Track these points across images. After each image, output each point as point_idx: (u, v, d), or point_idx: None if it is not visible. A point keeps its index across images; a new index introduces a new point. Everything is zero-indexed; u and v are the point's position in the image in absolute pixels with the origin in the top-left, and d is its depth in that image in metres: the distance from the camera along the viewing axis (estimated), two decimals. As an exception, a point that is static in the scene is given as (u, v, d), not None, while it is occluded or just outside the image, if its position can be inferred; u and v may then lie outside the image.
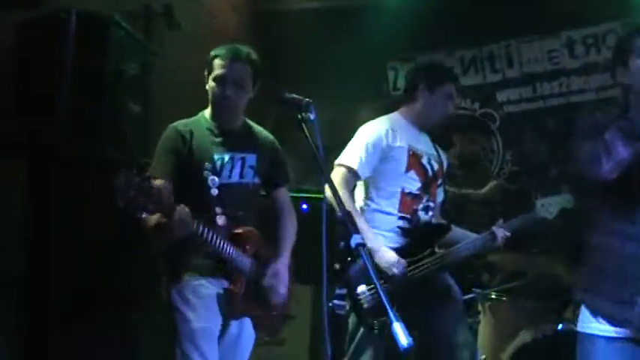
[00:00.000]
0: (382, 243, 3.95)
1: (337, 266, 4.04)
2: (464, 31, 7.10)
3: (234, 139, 3.63)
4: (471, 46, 7.31)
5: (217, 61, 3.56)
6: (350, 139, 4.20)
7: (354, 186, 4.13)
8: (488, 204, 5.76)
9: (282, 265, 3.69)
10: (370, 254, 3.76)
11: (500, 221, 4.22)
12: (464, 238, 4.17)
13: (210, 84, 3.59)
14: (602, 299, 3.06)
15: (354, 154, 4.03)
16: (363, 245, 2.59)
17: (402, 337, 2.37)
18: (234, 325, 3.56)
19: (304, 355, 5.28)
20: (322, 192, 5.31)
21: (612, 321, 3.02)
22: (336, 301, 2.67)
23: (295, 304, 4.68)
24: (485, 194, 5.61)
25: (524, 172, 6.99)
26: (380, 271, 3.84)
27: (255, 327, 3.65)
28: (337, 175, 4.02)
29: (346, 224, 2.61)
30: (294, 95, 2.98)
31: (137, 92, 4.13)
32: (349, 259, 3.84)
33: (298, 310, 5.01)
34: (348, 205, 3.77)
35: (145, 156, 3.60)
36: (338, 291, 2.64)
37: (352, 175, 4.04)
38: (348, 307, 3.92)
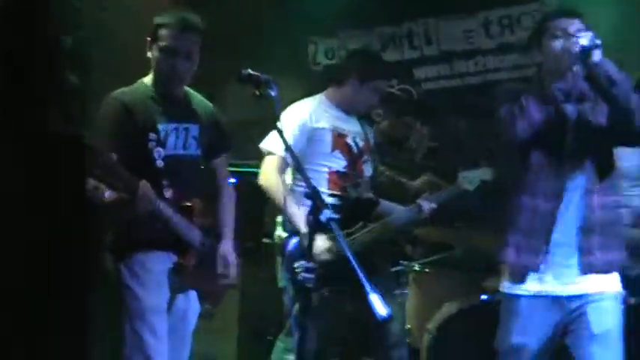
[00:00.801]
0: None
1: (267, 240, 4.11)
2: (384, 8, 7.19)
3: (178, 108, 3.56)
4: (391, 23, 7.38)
5: (165, 31, 3.45)
6: (267, 111, 4.23)
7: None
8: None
9: (229, 245, 3.70)
10: (303, 239, 3.87)
11: (427, 194, 4.33)
12: (392, 210, 4.28)
13: (156, 54, 3.48)
14: (522, 257, 3.28)
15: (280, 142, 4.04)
16: (334, 219, 2.64)
17: (380, 308, 2.43)
18: (181, 298, 3.54)
19: (234, 329, 5.31)
20: (254, 167, 5.38)
21: (533, 278, 3.25)
22: (305, 275, 2.70)
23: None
24: (418, 187, 5.76)
25: (442, 148, 7.16)
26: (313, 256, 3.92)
27: (201, 299, 3.65)
28: (269, 164, 4.06)
29: (314, 200, 2.65)
30: (251, 71, 2.98)
31: (75, 62, 4.03)
32: (286, 235, 3.91)
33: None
34: (282, 196, 3.84)
35: (85, 128, 3.52)
36: (307, 265, 2.67)
37: (282, 161, 4.08)
38: (285, 282, 3.99)
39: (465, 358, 4.56)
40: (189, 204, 3.50)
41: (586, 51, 3.08)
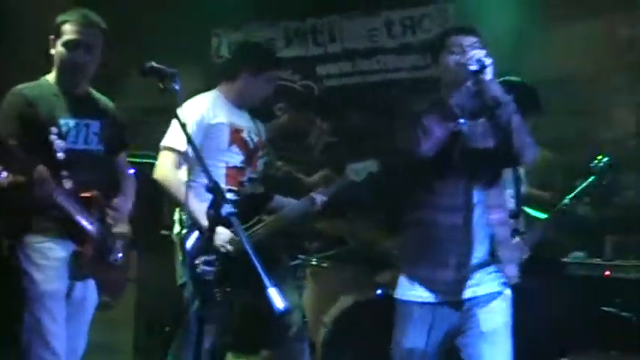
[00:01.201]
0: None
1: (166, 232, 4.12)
2: (289, 3, 7.26)
3: (79, 105, 3.65)
4: (295, 19, 7.45)
5: (68, 26, 3.55)
6: (169, 100, 4.25)
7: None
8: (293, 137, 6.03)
9: (125, 230, 3.76)
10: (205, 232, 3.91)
11: (319, 188, 4.42)
12: (285, 204, 4.35)
13: (59, 49, 3.57)
14: (419, 266, 3.39)
15: (179, 136, 4.06)
16: (234, 214, 2.68)
17: (278, 301, 2.50)
18: (79, 287, 3.58)
19: (130, 319, 5.30)
20: (150, 157, 5.34)
21: (428, 286, 3.35)
22: (205, 267, 2.74)
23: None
24: (315, 182, 5.85)
25: (341, 144, 7.28)
26: (216, 248, 3.96)
27: (100, 290, 3.66)
28: (166, 160, 4.07)
29: (215, 194, 2.69)
30: (154, 64, 3.00)
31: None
32: (185, 231, 3.94)
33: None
34: (181, 190, 3.88)
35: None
36: (206, 258, 2.72)
37: (181, 157, 4.09)
38: (184, 278, 4.02)
39: (360, 350, 4.65)
40: (88, 195, 3.55)
41: (477, 69, 3.18)
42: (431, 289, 3.36)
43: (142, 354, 5.42)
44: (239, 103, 4.30)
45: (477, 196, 3.35)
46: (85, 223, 3.50)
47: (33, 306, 3.39)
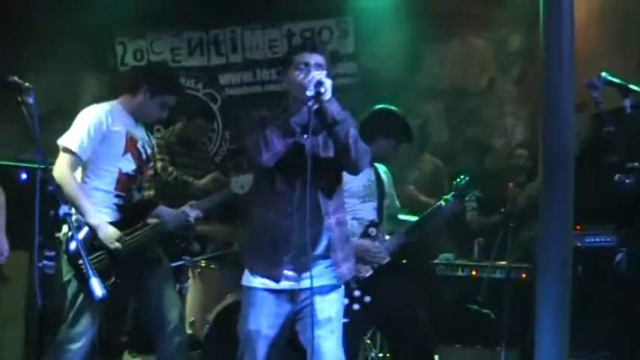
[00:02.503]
0: (103, 220, 4.24)
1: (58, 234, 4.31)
2: (192, 14, 7.48)
3: None
4: (199, 29, 7.69)
5: None
6: (73, 107, 4.42)
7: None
8: (207, 193, 6.21)
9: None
10: (92, 228, 4.12)
11: (192, 202, 4.63)
12: (165, 214, 4.56)
13: None
14: (259, 260, 3.66)
15: (76, 137, 4.22)
16: (70, 215, 2.89)
17: (98, 290, 2.75)
18: None
19: (20, 316, 5.40)
20: (40, 163, 5.49)
21: (265, 276, 3.63)
22: (45, 262, 2.96)
23: (11, 267, 4.86)
24: (205, 184, 6.06)
25: (240, 151, 7.52)
26: (103, 245, 4.16)
27: None
28: (63, 160, 4.22)
29: (55, 195, 2.91)
30: (16, 79, 3.19)
31: None
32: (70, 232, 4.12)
33: (14, 273, 5.17)
34: (75, 189, 4.07)
35: None
36: (47, 253, 2.94)
37: (76, 158, 4.26)
38: (69, 276, 4.19)
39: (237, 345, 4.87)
40: None
41: (313, 94, 3.36)
42: (270, 279, 3.63)
43: (32, 351, 5.50)
44: (135, 116, 4.49)
45: (315, 199, 3.59)
46: None
47: None
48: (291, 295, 3.65)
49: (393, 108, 4.83)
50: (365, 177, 4.50)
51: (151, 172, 4.66)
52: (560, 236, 4.00)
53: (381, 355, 5.28)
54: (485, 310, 5.31)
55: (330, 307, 3.63)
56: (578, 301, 3.94)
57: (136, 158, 4.41)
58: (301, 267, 3.61)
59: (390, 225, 4.79)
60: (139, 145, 4.45)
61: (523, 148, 6.81)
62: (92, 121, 4.26)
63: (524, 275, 5.47)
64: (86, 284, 4.05)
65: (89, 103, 7.08)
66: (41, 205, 5.27)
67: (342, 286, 3.75)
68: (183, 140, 6.24)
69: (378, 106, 4.81)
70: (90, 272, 2.79)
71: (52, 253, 2.94)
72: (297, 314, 3.66)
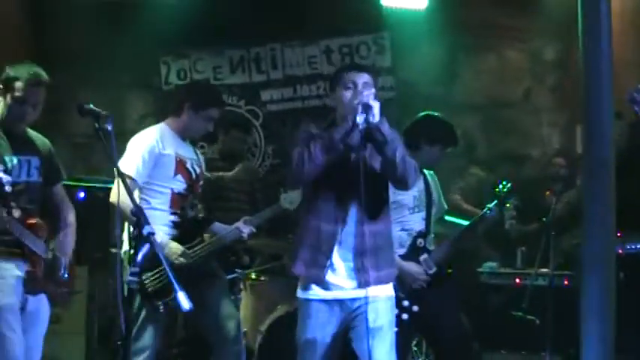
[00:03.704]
0: (166, 237, 4.45)
1: (114, 250, 4.51)
2: (234, 33, 7.67)
3: (20, 144, 4.01)
4: (240, 47, 7.88)
5: (19, 84, 3.88)
6: (121, 127, 4.62)
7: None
8: (240, 182, 6.41)
9: (69, 238, 4.19)
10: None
11: (246, 218, 4.83)
12: (221, 230, 4.75)
13: (9, 102, 3.91)
14: (304, 266, 3.84)
15: (132, 163, 4.45)
16: (153, 234, 3.10)
17: (185, 303, 2.95)
18: (32, 301, 3.94)
19: (81, 332, 5.62)
20: (97, 182, 5.72)
21: (320, 285, 3.80)
22: (130, 278, 3.17)
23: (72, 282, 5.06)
24: (235, 175, 6.26)
25: (283, 165, 7.72)
26: (169, 261, 4.36)
27: (50, 303, 4.07)
28: (121, 185, 4.44)
29: (139, 216, 3.11)
30: (92, 107, 3.40)
31: None
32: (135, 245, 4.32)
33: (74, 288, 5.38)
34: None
35: None
36: (132, 269, 3.15)
37: (133, 183, 4.48)
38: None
39: (291, 354, 5.03)
40: (33, 221, 3.95)
41: (363, 120, 3.56)
42: (323, 288, 3.81)
43: (93, 364, 5.73)
44: (182, 135, 4.70)
45: (359, 209, 3.75)
46: (33, 246, 3.90)
47: None
48: (343, 304, 3.82)
49: (435, 114, 4.97)
50: (415, 188, 4.62)
51: (201, 189, 4.85)
52: (603, 242, 4.16)
53: (427, 360, 5.43)
54: (529, 317, 5.45)
55: (381, 317, 3.79)
56: (620, 307, 4.07)
57: (186, 178, 4.63)
58: (348, 276, 3.80)
59: (436, 227, 4.92)
60: (188, 165, 4.67)
61: (560, 156, 6.94)
62: (146, 147, 4.51)
63: (566, 282, 5.60)
64: (149, 300, 4.34)
65: (135, 122, 7.42)
66: (97, 221, 5.56)
67: (393, 296, 3.91)
68: (225, 154, 6.43)
69: (422, 114, 4.96)
70: (176, 286, 2.99)
71: (137, 269, 3.12)
72: (350, 323, 3.82)
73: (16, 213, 3.81)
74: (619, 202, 4.20)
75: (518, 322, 5.49)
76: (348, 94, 3.75)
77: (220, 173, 6.23)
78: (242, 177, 6.33)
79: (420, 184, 4.74)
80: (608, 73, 4.19)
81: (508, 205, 4.96)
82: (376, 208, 3.84)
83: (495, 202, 4.84)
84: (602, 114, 4.21)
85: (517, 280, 5.81)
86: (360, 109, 3.57)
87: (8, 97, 3.92)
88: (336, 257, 3.79)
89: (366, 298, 3.75)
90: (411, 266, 4.65)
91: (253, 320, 5.51)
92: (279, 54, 7.86)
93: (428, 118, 4.94)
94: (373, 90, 3.76)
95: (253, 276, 5.77)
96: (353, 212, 3.77)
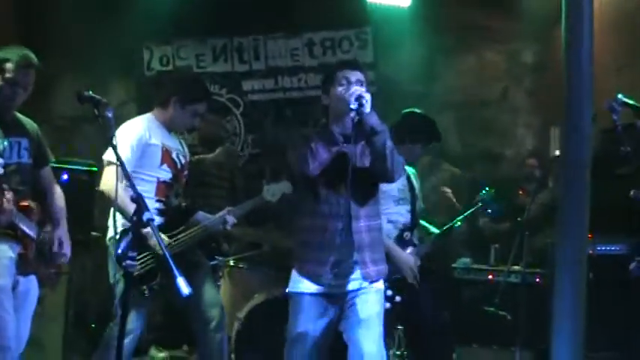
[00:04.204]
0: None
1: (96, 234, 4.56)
2: (217, 22, 7.71)
3: (10, 126, 4.06)
4: (223, 36, 7.94)
5: (10, 65, 3.92)
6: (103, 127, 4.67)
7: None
8: (221, 167, 6.48)
9: (64, 231, 4.23)
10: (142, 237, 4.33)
11: (230, 208, 4.87)
12: (204, 219, 4.82)
13: (5, 88, 3.94)
14: (306, 263, 3.95)
15: (121, 153, 4.47)
16: (152, 220, 3.18)
17: (184, 288, 3.03)
18: (23, 281, 4.01)
19: (60, 315, 5.62)
20: (82, 165, 5.76)
21: (313, 279, 3.92)
22: (129, 261, 3.23)
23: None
24: (216, 157, 6.34)
25: (262, 155, 7.81)
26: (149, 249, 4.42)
27: (40, 283, 4.14)
28: (111, 172, 4.50)
29: (139, 203, 3.19)
30: (91, 94, 3.46)
31: None
32: (118, 231, 4.39)
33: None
34: (124, 200, 4.31)
35: None
36: (131, 254, 3.21)
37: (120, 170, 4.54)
38: (118, 277, 4.47)
39: (268, 341, 5.13)
40: (26, 204, 4.01)
41: (356, 107, 3.68)
42: (316, 283, 3.92)
43: (70, 349, 5.72)
44: (168, 127, 4.76)
45: (355, 205, 3.88)
46: (26, 229, 3.96)
47: None
48: (335, 297, 3.94)
49: (418, 111, 5.12)
50: (400, 181, 4.71)
51: (185, 179, 4.92)
52: (577, 243, 4.28)
53: (398, 352, 5.53)
54: (501, 312, 5.59)
55: (370, 308, 3.90)
56: (589, 306, 4.21)
57: (172, 167, 4.70)
58: (343, 271, 3.90)
59: None
60: (174, 155, 4.74)
61: (534, 157, 7.07)
62: (134, 137, 4.58)
63: (538, 280, 5.75)
64: (135, 284, 4.40)
65: (116, 108, 7.41)
66: (79, 204, 5.59)
67: (382, 289, 4.03)
68: (204, 140, 6.50)
69: (405, 111, 5.11)
70: (175, 272, 3.06)
71: (134, 254, 3.19)
72: (341, 314, 3.95)
73: (9, 195, 3.85)
74: (592, 205, 4.32)
75: (490, 318, 5.64)
76: (342, 89, 3.87)
77: (201, 155, 6.30)
78: (222, 159, 6.40)
79: (403, 178, 4.85)
80: (589, 75, 4.28)
81: (489, 211, 5.09)
82: (370, 203, 3.96)
83: (479, 205, 4.98)
84: (581, 115, 4.29)
85: (490, 277, 5.95)
86: (353, 99, 3.68)
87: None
88: (335, 254, 3.88)
89: (357, 290, 3.87)
90: (409, 256, 4.78)
91: (231, 307, 5.57)
92: (262, 45, 7.92)
93: (412, 115, 5.07)
94: (363, 88, 3.87)
95: (232, 263, 5.85)
96: (349, 209, 3.87)
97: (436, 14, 7.38)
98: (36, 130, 4.27)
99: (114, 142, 3.46)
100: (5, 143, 3.98)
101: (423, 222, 5.27)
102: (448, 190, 6.70)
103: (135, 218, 3.17)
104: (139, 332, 4.57)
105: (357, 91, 3.74)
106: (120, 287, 4.49)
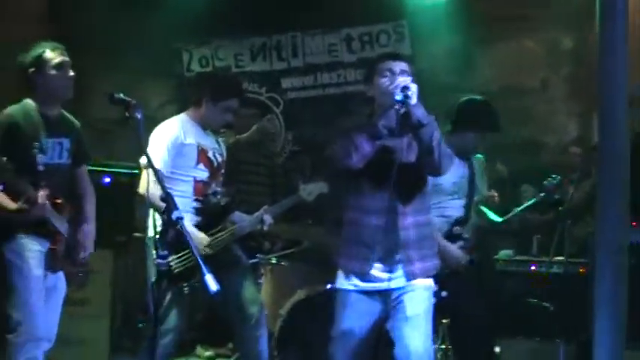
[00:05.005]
0: (193, 227, 4.55)
1: (138, 235, 4.65)
2: (255, 21, 7.79)
3: (55, 125, 4.19)
4: (261, 35, 8.00)
5: (51, 54, 4.08)
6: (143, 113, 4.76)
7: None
8: (257, 147, 6.52)
9: (92, 227, 4.36)
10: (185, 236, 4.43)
11: (266, 207, 4.93)
12: (240, 219, 4.86)
13: (51, 72, 4.08)
14: (350, 259, 3.92)
15: (157, 155, 4.56)
16: (182, 218, 3.23)
17: (212, 285, 3.08)
18: (51, 277, 4.17)
19: (106, 314, 5.74)
20: (122, 167, 5.85)
21: (358, 275, 3.88)
22: (159, 260, 3.29)
23: (97, 267, 5.21)
24: (250, 136, 6.38)
25: (303, 152, 7.85)
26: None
27: (67, 281, 4.28)
28: (147, 176, 4.57)
29: (168, 201, 3.24)
30: (122, 96, 3.53)
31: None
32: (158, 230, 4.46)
33: (100, 272, 5.52)
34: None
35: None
36: (161, 252, 3.27)
37: (158, 173, 4.59)
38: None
39: (310, 338, 5.16)
40: (59, 201, 4.14)
41: (402, 99, 3.59)
42: (362, 279, 3.88)
43: (116, 348, 5.83)
44: (203, 126, 4.81)
45: (401, 201, 3.82)
46: (57, 225, 4.09)
47: (23, 292, 4.00)
48: (381, 294, 3.89)
49: (476, 98, 4.95)
50: (455, 174, 4.68)
51: (222, 177, 4.96)
52: (617, 231, 4.21)
53: (443, 346, 5.52)
54: (544, 304, 5.53)
55: (417, 306, 3.84)
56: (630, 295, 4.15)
57: (208, 166, 4.76)
58: (389, 267, 3.85)
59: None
60: (210, 154, 4.79)
61: (576, 145, 7.00)
62: (170, 138, 4.64)
63: (581, 270, 5.68)
64: (174, 282, 4.47)
65: (156, 110, 7.53)
66: (120, 206, 5.69)
67: (431, 286, 3.96)
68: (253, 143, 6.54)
69: (463, 98, 4.92)
70: (204, 269, 3.11)
71: (165, 252, 3.26)
72: (388, 313, 3.89)
73: (44, 191, 3.96)
74: (635, 190, 4.26)
75: (532, 309, 5.59)
76: (386, 81, 3.80)
77: (235, 137, 6.34)
78: (257, 138, 6.42)
79: (461, 170, 4.79)
80: (623, 64, 4.18)
81: (556, 199, 4.99)
82: (417, 199, 3.89)
83: (544, 195, 4.89)
84: (615, 102, 4.22)
85: (532, 268, 5.90)
86: (398, 90, 3.60)
87: (44, 72, 4.08)
88: (380, 250, 3.84)
89: (404, 287, 3.84)
90: (458, 251, 4.71)
91: (273, 304, 5.63)
92: (299, 42, 7.96)
93: (466, 102, 4.89)
94: (410, 77, 3.80)
95: (274, 261, 5.89)
96: (394, 204, 3.80)
97: (472, 4, 7.34)
98: (78, 128, 4.39)
99: (144, 145, 3.53)
100: (50, 142, 4.12)
101: (483, 207, 5.19)
102: (495, 194, 6.66)
103: (165, 217, 3.23)
104: (179, 330, 4.63)
105: (402, 82, 3.65)
106: (161, 287, 4.56)
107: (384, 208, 3.78)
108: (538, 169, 7.07)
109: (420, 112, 3.66)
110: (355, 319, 3.89)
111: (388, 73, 3.83)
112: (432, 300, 3.99)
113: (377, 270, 3.86)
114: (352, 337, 3.89)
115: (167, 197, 3.26)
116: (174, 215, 3.20)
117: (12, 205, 3.91)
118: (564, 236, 5.57)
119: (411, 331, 3.79)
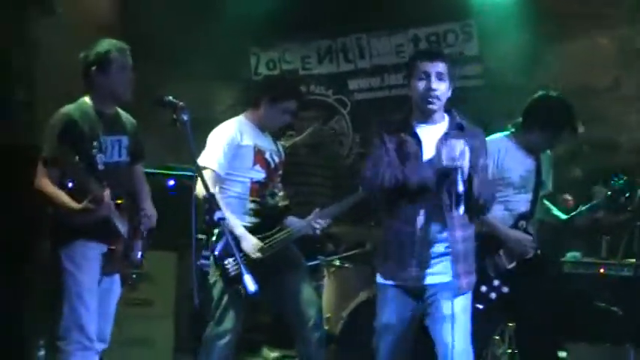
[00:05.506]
0: (245, 231, 4.60)
1: (201, 236, 4.71)
2: (321, 23, 7.77)
3: (112, 123, 4.24)
4: (327, 37, 7.98)
5: (117, 54, 4.12)
6: (211, 116, 4.78)
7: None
8: (315, 146, 6.51)
9: (150, 208, 4.41)
10: (237, 238, 4.48)
11: (317, 210, 4.92)
12: (294, 223, 4.86)
13: (115, 73, 4.12)
14: (388, 267, 3.95)
15: (214, 156, 4.65)
16: (223, 219, 3.25)
17: (250, 285, 3.09)
18: (106, 280, 4.20)
19: (170, 315, 5.84)
20: (187, 170, 5.94)
21: (394, 279, 3.93)
22: (203, 261, 3.34)
23: (161, 268, 5.29)
24: (304, 138, 6.37)
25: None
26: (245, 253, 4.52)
27: (122, 283, 4.32)
28: (206, 177, 4.62)
29: (211, 203, 3.26)
30: (171, 98, 3.56)
31: (21, 79, 4.56)
32: (215, 232, 4.51)
33: (164, 274, 5.61)
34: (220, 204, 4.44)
35: (32, 140, 4.09)
36: (204, 253, 3.32)
37: (216, 175, 4.64)
38: (215, 277, 4.57)
39: (372, 339, 5.11)
40: (120, 202, 4.15)
41: (452, 165, 3.58)
42: (403, 279, 3.90)
43: (181, 348, 5.88)
44: (261, 127, 4.84)
45: (440, 214, 3.81)
46: (119, 225, 4.11)
47: (74, 300, 4.02)
48: (418, 291, 3.91)
49: (552, 94, 4.80)
50: (523, 167, 4.64)
51: (279, 179, 4.97)
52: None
53: (509, 351, 5.43)
54: (613, 308, 5.38)
55: (456, 303, 3.82)
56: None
57: (264, 168, 4.78)
58: (427, 267, 3.87)
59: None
60: (267, 155, 4.81)
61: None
62: (226, 140, 4.68)
63: (652, 273, 5.51)
64: (231, 284, 4.50)
65: (223, 112, 7.60)
66: (183, 209, 5.76)
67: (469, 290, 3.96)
68: (306, 145, 6.54)
69: (538, 94, 4.79)
70: (243, 269, 3.13)
71: (208, 253, 3.29)
72: (426, 309, 3.92)
73: (108, 190, 3.98)
74: None
75: (601, 314, 5.44)
76: (421, 84, 3.78)
77: (292, 140, 6.34)
78: (310, 141, 6.41)
79: (529, 165, 4.71)
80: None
81: (623, 200, 4.87)
82: (464, 214, 3.81)
83: (609, 194, 4.77)
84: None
85: (601, 270, 5.73)
86: (444, 158, 3.60)
87: (108, 72, 4.12)
88: (418, 255, 3.85)
89: (443, 285, 3.85)
90: (520, 234, 4.61)
91: (336, 306, 5.63)
92: (365, 43, 7.91)
93: (545, 98, 4.77)
94: (446, 82, 3.76)
95: (337, 263, 5.88)
96: (438, 214, 3.80)
97: (540, 1, 7.19)
98: (135, 126, 4.42)
99: (192, 146, 3.55)
100: (108, 140, 4.15)
101: (547, 202, 5.08)
102: (570, 198, 6.51)
103: (207, 217, 3.24)
104: (236, 332, 4.65)
105: (450, 152, 3.60)
106: (217, 288, 4.59)
107: (421, 219, 3.82)
108: (611, 169, 6.88)
109: (483, 193, 3.74)
110: (394, 313, 3.95)
111: (423, 76, 3.79)
112: (470, 298, 3.99)
113: (414, 272, 3.88)
114: (392, 330, 3.95)
115: (210, 198, 3.28)
116: (216, 216, 3.22)
117: (76, 204, 3.93)
118: (634, 238, 5.40)
119: (449, 330, 3.78)
